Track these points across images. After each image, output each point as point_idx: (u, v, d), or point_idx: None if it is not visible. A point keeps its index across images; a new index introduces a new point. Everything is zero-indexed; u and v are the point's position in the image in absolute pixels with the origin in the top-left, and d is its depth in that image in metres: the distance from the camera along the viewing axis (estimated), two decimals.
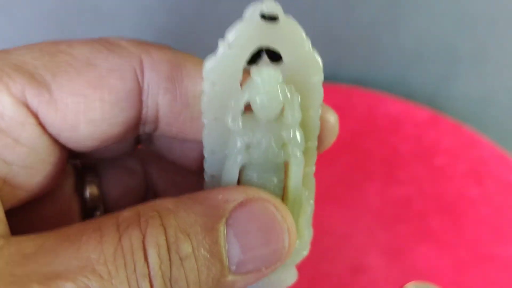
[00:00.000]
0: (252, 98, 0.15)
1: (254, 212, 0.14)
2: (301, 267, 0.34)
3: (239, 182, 0.16)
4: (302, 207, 0.17)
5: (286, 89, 0.15)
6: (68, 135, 0.16)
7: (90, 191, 0.20)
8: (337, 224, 0.36)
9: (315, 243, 0.34)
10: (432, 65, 0.44)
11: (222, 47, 0.15)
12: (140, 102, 0.16)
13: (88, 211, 0.20)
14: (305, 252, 0.17)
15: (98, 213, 0.20)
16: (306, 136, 0.16)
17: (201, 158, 0.17)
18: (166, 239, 0.14)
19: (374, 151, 0.39)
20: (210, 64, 0.15)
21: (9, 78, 0.15)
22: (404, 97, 0.43)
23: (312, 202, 0.17)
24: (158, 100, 0.17)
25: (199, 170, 0.19)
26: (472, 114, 0.45)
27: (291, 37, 0.15)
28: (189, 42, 0.39)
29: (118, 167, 0.21)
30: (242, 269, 0.14)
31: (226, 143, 0.16)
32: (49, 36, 0.39)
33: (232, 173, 0.16)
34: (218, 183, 0.16)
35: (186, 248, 0.14)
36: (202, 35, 0.39)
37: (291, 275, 0.17)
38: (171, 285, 0.14)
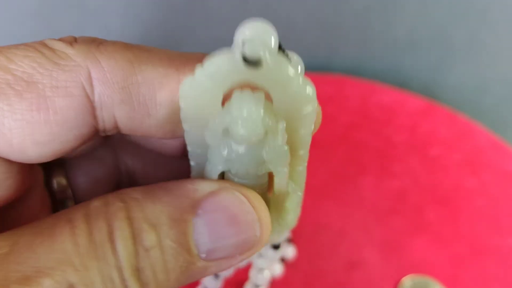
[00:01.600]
0: (231, 127, 0.14)
1: (224, 201, 0.14)
2: (297, 263, 0.33)
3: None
4: (288, 198, 0.16)
5: (268, 120, 0.14)
6: (17, 157, 0.15)
7: (57, 181, 0.19)
8: (332, 219, 0.35)
9: (310, 239, 0.34)
10: (425, 54, 0.43)
11: (200, 76, 0.14)
12: (93, 117, 0.15)
13: (60, 203, 0.20)
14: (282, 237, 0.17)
15: (69, 204, 0.20)
16: (296, 148, 0.15)
17: (182, 145, 0.16)
18: (132, 232, 0.14)
19: (368, 143, 0.39)
20: (187, 89, 0.14)
21: None
22: (398, 86, 0.42)
23: (300, 193, 0.16)
24: (114, 112, 0.15)
25: (181, 155, 0.18)
26: (467, 102, 0.44)
27: (278, 79, 0.14)
28: (177, 36, 0.39)
29: (86, 157, 0.20)
30: (213, 257, 0.14)
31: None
32: (35, 32, 0.38)
33: (211, 176, 0.15)
34: (203, 168, 0.16)
35: (151, 239, 0.14)
36: (190, 28, 0.38)
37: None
38: (139, 274, 0.14)
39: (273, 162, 0.15)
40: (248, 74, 0.13)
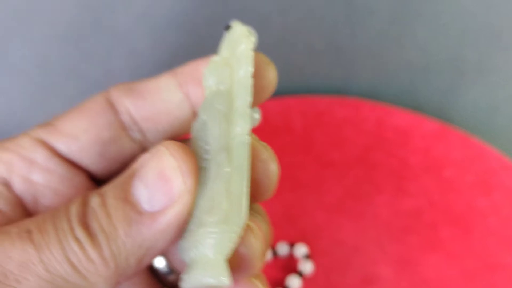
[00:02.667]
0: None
1: (154, 161, 0.17)
2: (314, 278, 0.35)
3: None
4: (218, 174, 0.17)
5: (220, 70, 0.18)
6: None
7: None
8: (348, 236, 0.36)
9: (327, 254, 0.35)
10: (438, 77, 0.44)
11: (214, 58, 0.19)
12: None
13: None
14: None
15: None
16: (236, 96, 0.18)
17: None
18: (83, 199, 0.17)
19: (383, 164, 0.40)
20: (208, 70, 0.19)
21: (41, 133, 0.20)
22: (412, 109, 0.44)
23: (227, 169, 0.17)
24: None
25: None
26: (480, 124, 0.45)
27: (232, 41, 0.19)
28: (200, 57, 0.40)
29: None
30: (154, 207, 0.16)
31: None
32: (65, 55, 0.40)
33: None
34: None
35: (96, 201, 0.16)
36: (212, 51, 0.40)
37: (218, 273, 0.16)
38: (87, 226, 0.16)
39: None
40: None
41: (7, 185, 0.19)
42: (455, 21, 0.42)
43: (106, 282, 0.16)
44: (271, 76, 0.19)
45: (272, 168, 0.18)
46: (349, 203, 0.38)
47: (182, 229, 0.17)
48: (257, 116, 0.18)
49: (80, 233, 0.16)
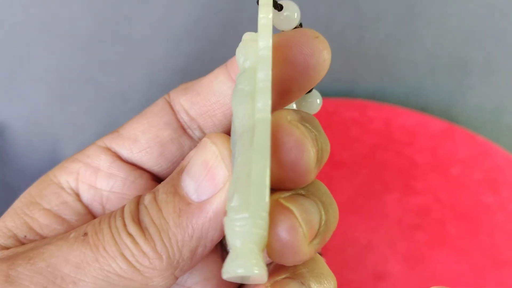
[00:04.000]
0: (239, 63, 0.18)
1: (199, 153, 0.17)
2: None
3: None
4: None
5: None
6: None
7: None
8: (359, 233, 0.37)
9: (338, 251, 0.36)
10: (445, 78, 0.45)
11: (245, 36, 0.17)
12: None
13: None
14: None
15: None
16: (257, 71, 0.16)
17: None
18: (136, 198, 0.17)
19: (391, 163, 0.41)
20: (241, 48, 0.17)
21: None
22: (419, 110, 0.44)
23: (240, 159, 0.16)
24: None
25: None
26: (486, 123, 0.46)
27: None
28: (214, 66, 0.41)
29: None
30: (201, 197, 0.16)
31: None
32: (83, 64, 0.42)
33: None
34: None
35: (148, 197, 0.17)
36: (226, 58, 0.41)
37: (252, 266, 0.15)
38: (139, 222, 0.16)
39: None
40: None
41: (77, 194, 0.20)
42: (460, 23, 0.42)
43: (161, 276, 0.16)
44: (320, 53, 0.17)
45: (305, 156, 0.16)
46: (359, 201, 0.39)
47: None
48: (318, 101, 0.17)
49: (132, 228, 0.16)
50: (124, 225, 0.16)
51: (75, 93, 0.44)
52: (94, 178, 0.19)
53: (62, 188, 0.19)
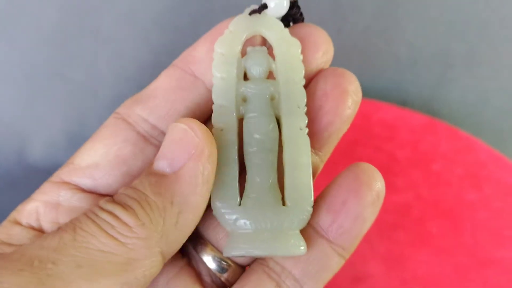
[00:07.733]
0: (249, 70, 0.21)
1: (166, 137, 0.18)
2: None
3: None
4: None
5: (270, 62, 0.21)
6: None
7: None
8: None
9: None
10: (426, 71, 0.44)
11: (226, 31, 0.21)
12: None
13: None
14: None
15: None
16: (293, 101, 0.21)
17: None
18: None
19: (371, 158, 0.40)
20: (218, 40, 0.20)
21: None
22: (399, 103, 0.43)
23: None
24: None
25: None
26: (469, 117, 0.45)
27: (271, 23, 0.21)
28: None
29: None
30: (175, 167, 0.17)
31: (231, 98, 0.20)
32: (50, 59, 0.40)
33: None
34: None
35: (122, 188, 0.17)
36: None
37: (296, 245, 0.20)
38: (115, 201, 0.17)
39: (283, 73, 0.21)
40: (255, 26, 0.21)
41: (41, 232, 0.19)
42: (442, 14, 0.41)
43: (146, 247, 0.16)
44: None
45: None
46: None
47: (211, 182, 0.17)
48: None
49: (109, 206, 0.16)
50: (100, 207, 0.16)
51: (41, 89, 0.43)
52: (55, 214, 0.19)
53: (25, 228, 0.19)
